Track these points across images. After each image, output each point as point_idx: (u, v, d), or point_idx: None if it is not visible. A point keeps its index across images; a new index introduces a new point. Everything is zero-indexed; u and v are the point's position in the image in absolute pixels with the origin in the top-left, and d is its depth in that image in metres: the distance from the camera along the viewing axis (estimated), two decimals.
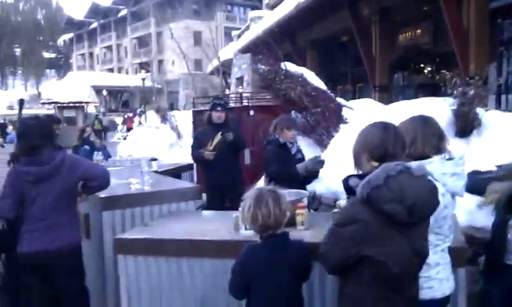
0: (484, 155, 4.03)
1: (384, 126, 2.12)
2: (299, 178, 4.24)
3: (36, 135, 3.20)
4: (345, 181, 2.15)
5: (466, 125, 4.41)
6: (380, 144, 2.06)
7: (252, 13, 25.66)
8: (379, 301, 1.99)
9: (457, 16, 9.45)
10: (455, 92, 4.57)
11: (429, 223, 2.11)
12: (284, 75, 6.30)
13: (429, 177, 2.18)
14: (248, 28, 25.29)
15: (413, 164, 2.10)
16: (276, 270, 2.31)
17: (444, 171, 2.24)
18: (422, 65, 16.06)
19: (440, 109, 4.52)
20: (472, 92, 4.47)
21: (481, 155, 4.02)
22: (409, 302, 2.06)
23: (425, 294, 2.23)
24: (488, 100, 5.56)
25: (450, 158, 2.28)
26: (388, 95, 13.53)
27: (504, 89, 5.65)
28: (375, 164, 2.05)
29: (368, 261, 1.95)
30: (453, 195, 2.30)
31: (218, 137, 4.96)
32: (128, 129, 27.69)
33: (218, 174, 5.07)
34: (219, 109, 5.15)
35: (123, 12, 59.96)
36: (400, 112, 5.35)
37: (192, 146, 5.32)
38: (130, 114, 33.22)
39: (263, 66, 6.52)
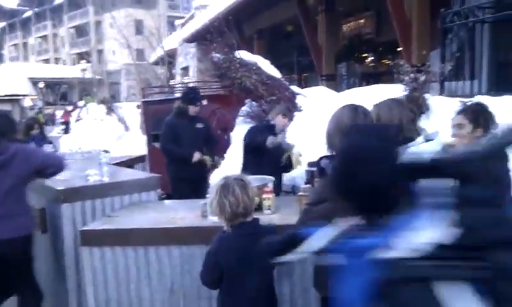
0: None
1: (355, 108, 2.19)
2: (264, 147, 4.35)
3: None
4: (318, 163, 2.23)
5: (417, 110, 4.62)
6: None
7: (197, 2, 25.22)
8: None
9: (400, 6, 9.83)
10: (406, 78, 4.77)
11: None
12: (239, 64, 6.30)
13: None
14: (192, 17, 24.93)
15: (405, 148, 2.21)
16: (249, 258, 2.31)
17: (430, 151, 2.36)
18: (365, 55, 16.54)
19: (393, 95, 4.71)
20: (422, 78, 4.69)
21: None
22: None
23: None
24: (432, 86, 5.84)
25: (429, 139, 2.40)
26: (334, 84, 13.83)
27: (447, 75, 5.95)
28: None
29: None
30: None
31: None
32: (65, 123, 26.65)
33: (189, 168, 5.05)
34: (198, 104, 5.14)
35: (60, 0, 57.36)
36: (354, 98, 5.51)
37: (165, 138, 5.22)
38: (69, 108, 31.93)
39: (218, 55, 6.48)
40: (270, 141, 4.36)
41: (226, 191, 2.27)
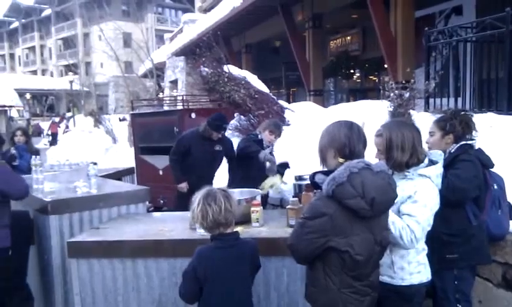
0: None
1: (350, 126, 2.24)
2: (255, 157, 4.53)
3: None
4: (312, 177, 2.26)
5: None
6: (346, 142, 2.17)
7: (185, 16, 25.33)
8: (344, 288, 2.10)
9: (386, 24, 10.00)
10: (391, 94, 4.86)
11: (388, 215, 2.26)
12: (227, 78, 6.36)
13: (427, 180, 2.38)
14: (181, 31, 25.02)
15: (417, 170, 2.34)
16: (227, 271, 2.30)
17: (437, 173, 2.43)
18: (352, 71, 16.74)
19: (379, 111, 4.81)
20: (407, 95, 4.79)
21: None
22: (370, 288, 2.18)
23: (415, 279, 2.40)
24: (417, 103, 5.94)
25: (433, 160, 2.46)
26: (322, 99, 13.96)
27: (431, 93, 6.06)
28: (341, 160, 2.16)
29: (334, 251, 2.06)
30: None
31: None
32: (52, 134, 26.45)
33: (195, 180, 4.96)
34: (223, 132, 5.18)
35: (47, 12, 57.16)
36: (341, 114, 5.61)
37: (174, 151, 5.21)
38: (56, 119, 31.68)
39: (206, 69, 6.53)
40: (263, 154, 4.43)
41: (210, 199, 2.28)
